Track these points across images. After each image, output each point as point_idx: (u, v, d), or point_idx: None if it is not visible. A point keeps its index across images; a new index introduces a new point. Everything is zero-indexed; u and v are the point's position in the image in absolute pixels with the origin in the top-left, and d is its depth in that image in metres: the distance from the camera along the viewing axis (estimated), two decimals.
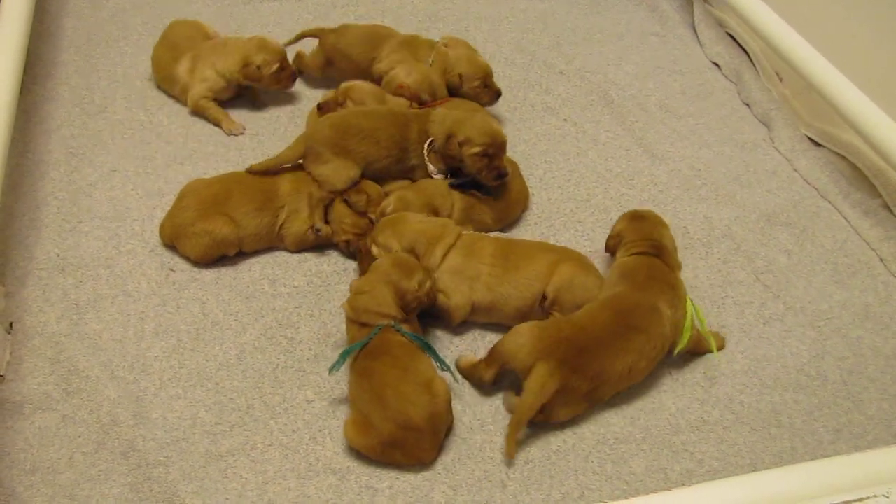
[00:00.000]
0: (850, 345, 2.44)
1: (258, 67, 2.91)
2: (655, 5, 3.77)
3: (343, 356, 2.15)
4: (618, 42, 3.56)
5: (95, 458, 2.07)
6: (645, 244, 2.33)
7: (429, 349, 2.17)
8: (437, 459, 2.10)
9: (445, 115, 2.64)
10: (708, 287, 2.56)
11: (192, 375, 2.26)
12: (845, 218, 2.82)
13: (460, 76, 2.91)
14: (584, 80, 3.32)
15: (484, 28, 3.55)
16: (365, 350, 2.13)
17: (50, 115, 2.99)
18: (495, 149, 2.56)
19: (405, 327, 2.17)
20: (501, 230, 2.68)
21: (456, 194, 2.59)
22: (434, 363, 2.17)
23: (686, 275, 2.57)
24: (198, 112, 3.01)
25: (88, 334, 2.33)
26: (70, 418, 2.15)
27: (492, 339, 2.33)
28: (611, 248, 2.45)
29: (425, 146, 2.63)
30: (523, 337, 2.11)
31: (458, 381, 2.27)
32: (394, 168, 2.66)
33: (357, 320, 2.19)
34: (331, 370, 2.14)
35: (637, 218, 2.43)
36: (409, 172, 2.67)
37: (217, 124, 3.00)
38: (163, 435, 2.12)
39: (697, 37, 3.63)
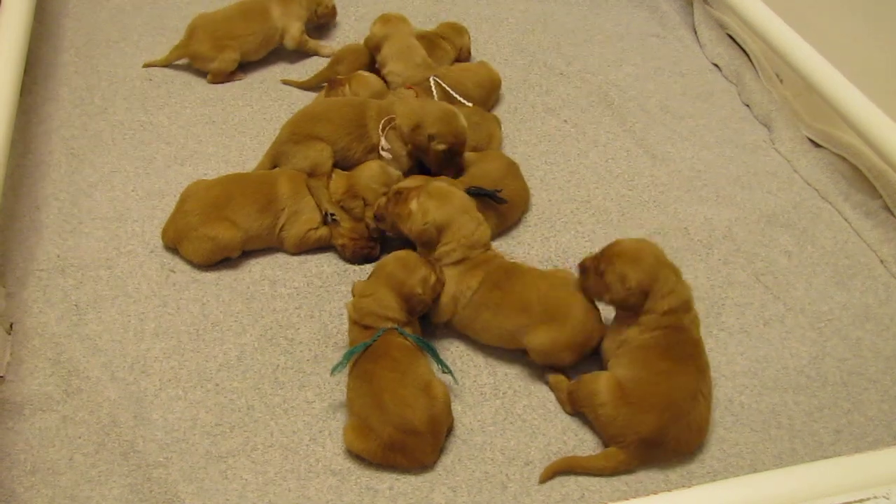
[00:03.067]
0: (851, 346, 2.44)
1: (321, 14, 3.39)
2: (656, 6, 3.77)
3: (346, 357, 2.15)
4: (618, 43, 3.56)
5: (96, 458, 2.07)
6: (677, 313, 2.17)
7: (430, 351, 2.17)
8: (438, 461, 2.10)
9: (412, 103, 2.69)
10: (708, 288, 2.56)
11: (193, 376, 2.26)
12: (846, 219, 2.82)
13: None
14: (584, 82, 3.32)
15: (484, 29, 3.55)
16: (364, 353, 2.13)
17: (50, 116, 2.99)
18: (459, 146, 2.61)
19: (407, 329, 2.17)
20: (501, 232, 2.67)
21: None
22: (435, 365, 2.17)
23: (686, 276, 2.54)
24: (300, 48, 3.30)
25: (89, 335, 2.33)
26: (70, 419, 2.15)
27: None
28: (631, 306, 2.16)
29: (381, 122, 2.67)
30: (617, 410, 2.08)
31: (457, 384, 2.27)
32: (356, 147, 2.71)
33: (360, 322, 2.19)
34: (333, 371, 2.13)
35: (662, 265, 2.19)
36: (373, 152, 2.72)
37: (316, 53, 3.36)
38: (163, 436, 2.12)
39: (698, 38, 3.63)
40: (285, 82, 3.18)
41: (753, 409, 2.26)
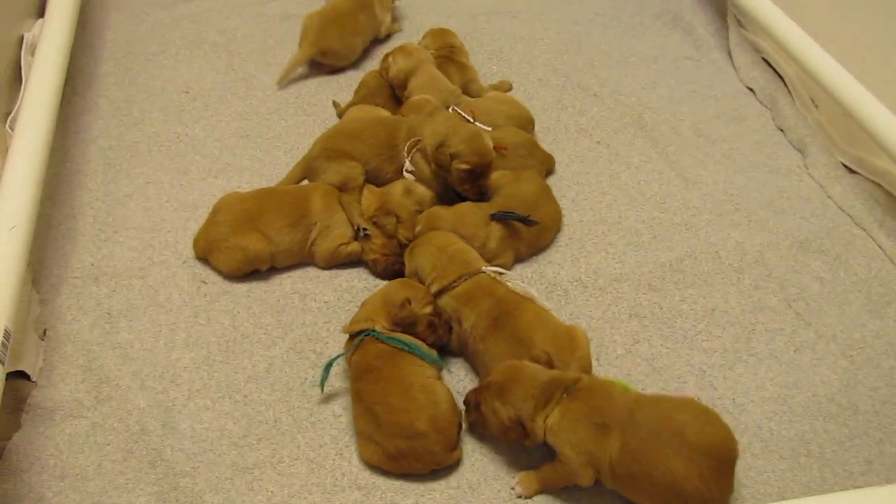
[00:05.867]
0: (883, 375, 2.41)
1: None
2: (691, 29, 3.76)
3: (326, 369, 2.19)
4: (652, 65, 3.56)
5: (123, 466, 2.09)
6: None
7: (410, 347, 2.16)
8: (461, 472, 2.11)
9: (439, 122, 2.67)
10: (739, 313, 2.54)
11: (221, 387, 2.27)
12: (880, 246, 2.79)
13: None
14: (617, 103, 3.32)
15: (518, 49, 3.57)
16: (351, 373, 2.17)
17: (88, 126, 3.03)
18: (483, 168, 2.59)
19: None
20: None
21: (494, 225, 2.55)
22: (423, 360, 2.17)
23: (717, 300, 2.56)
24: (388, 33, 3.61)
25: (120, 343, 2.36)
26: (100, 426, 2.17)
27: None
28: (516, 438, 2.04)
29: (408, 144, 2.67)
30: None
31: (450, 372, 2.30)
32: (387, 168, 2.73)
33: (349, 331, 2.23)
34: (320, 385, 2.20)
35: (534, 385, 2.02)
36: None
37: (392, 33, 3.64)
38: (190, 445, 2.14)
39: (732, 61, 3.62)
40: (335, 104, 3.15)
41: (783, 436, 2.24)
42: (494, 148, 2.65)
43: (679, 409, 1.98)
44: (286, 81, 3.32)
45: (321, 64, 3.37)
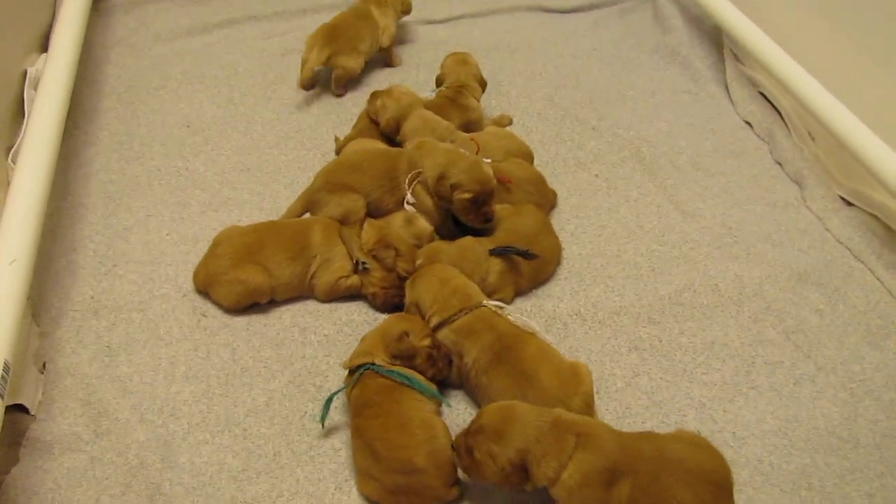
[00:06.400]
0: (884, 408, 2.40)
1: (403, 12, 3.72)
2: (688, 63, 3.79)
3: (326, 405, 2.19)
4: (650, 99, 3.59)
5: (122, 500, 2.08)
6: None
7: (410, 381, 2.16)
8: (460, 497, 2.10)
9: (439, 154, 2.68)
10: (738, 346, 2.54)
11: (221, 421, 2.27)
12: (878, 279, 2.80)
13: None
14: (616, 137, 3.34)
15: (517, 83, 3.59)
16: (350, 408, 2.17)
17: (90, 160, 3.05)
18: (485, 195, 2.59)
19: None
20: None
21: (493, 259, 2.55)
22: (422, 394, 2.17)
23: (716, 333, 2.56)
24: (391, 44, 3.63)
25: (119, 377, 2.35)
26: (98, 460, 2.16)
27: None
28: (515, 484, 1.95)
29: (409, 176, 2.68)
30: None
31: (450, 406, 2.29)
32: (388, 199, 2.74)
33: (348, 366, 2.23)
34: (320, 421, 2.20)
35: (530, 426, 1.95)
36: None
37: (389, 60, 3.68)
38: (190, 479, 2.13)
39: (729, 95, 3.65)
40: (337, 139, 3.14)
41: (783, 469, 2.23)
42: (499, 180, 2.66)
43: (671, 440, 1.99)
44: (308, 84, 3.46)
45: (319, 98, 3.41)
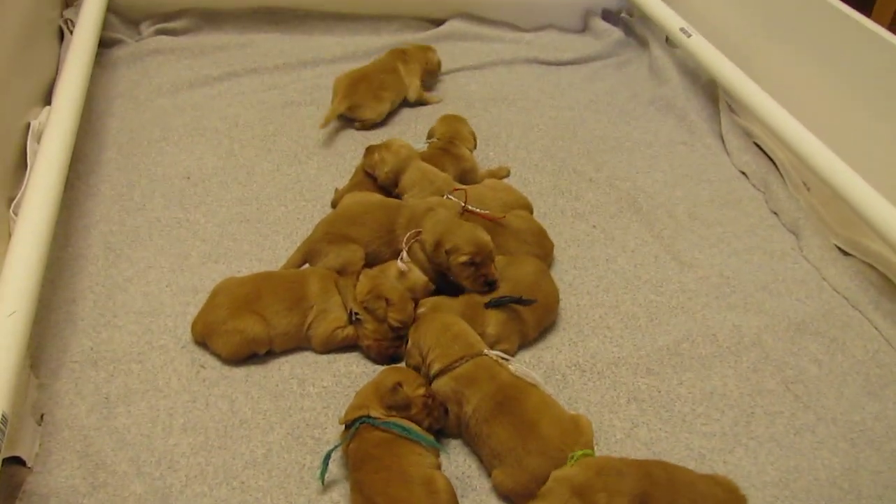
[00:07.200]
0: (885, 458, 2.40)
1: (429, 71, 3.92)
2: (684, 115, 3.84)
3: (324, 461, 2.17)
4: (647, 150, 3.62)
5: None
6: None
7: (408, 432, 2.15)
8: None
9: (438, 220, 2.69)
10: (737, 396, 2.54)
11: (219, 473, 2.25)
12: (876, 328, 2.81)
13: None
14: (613, 188, 3.37)
15: (515, 135, 3.63)
16: (349, 462, 2.15)
17: (90, 211, 3.06)
18: (482, 257, 2.59)
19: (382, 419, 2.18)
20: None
21: (490, 313, 2.55)
22: (420, 444, 2.16)
23: (715, 383, 2.56)
24: (419, 99, 3.82)
25: (117, 428, 2.34)
26: None
27: None
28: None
29: (408, 235, 2.69)
30: None
31: (448, 454, 2.28)
32: (385, 251, 2.75)
33: (344, 421, 2.23)
34: (319, 477, 2.18)
35: None
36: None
37: (428, 103, 3.86)
38: None
39: (725, 146, 3.69)
40: (337, 191, 3.16)
41: None
42: (490, 219, 2.68)
43: (673, 468, 2.02)
44: (328, 124, 3.57)
45: (319, 150, 3.44)
